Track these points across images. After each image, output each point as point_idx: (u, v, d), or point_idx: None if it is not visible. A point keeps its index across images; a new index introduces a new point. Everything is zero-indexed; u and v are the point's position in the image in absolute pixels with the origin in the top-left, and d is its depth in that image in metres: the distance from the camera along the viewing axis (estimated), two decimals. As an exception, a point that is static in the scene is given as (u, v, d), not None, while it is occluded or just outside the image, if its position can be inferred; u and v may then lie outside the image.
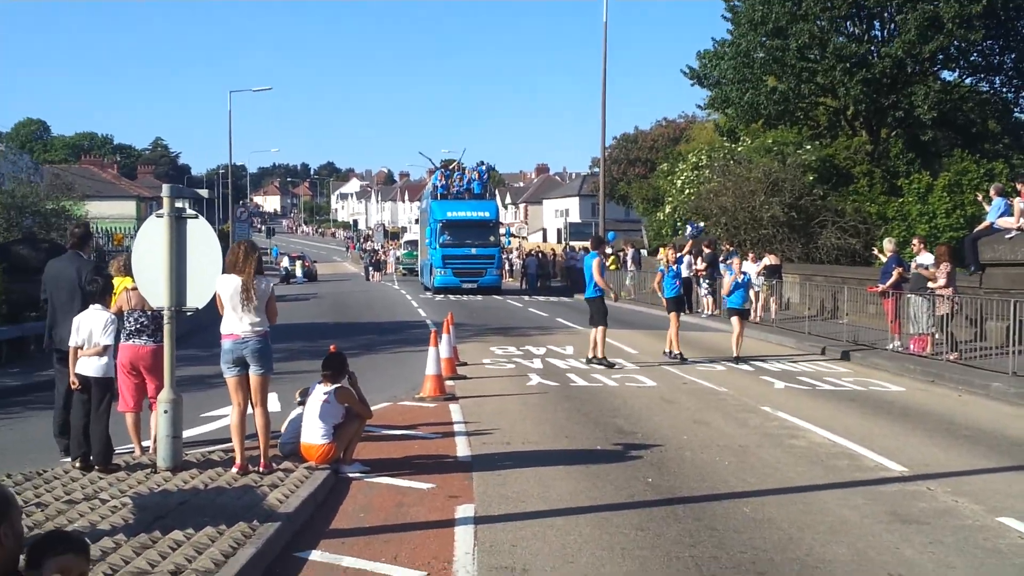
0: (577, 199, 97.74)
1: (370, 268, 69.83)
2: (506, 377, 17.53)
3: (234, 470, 9.36)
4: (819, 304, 27.42)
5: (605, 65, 43.61)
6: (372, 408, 11.08)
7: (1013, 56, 42.08)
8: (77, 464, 9.63)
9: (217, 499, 8.39)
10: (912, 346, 19.69)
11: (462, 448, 11.39)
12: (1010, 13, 40.15)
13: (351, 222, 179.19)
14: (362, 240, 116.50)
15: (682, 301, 21.32)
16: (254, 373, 9.45)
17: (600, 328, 18.94)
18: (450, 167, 51.05)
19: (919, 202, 38.20)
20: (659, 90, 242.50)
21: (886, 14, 41.48)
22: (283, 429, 10.42)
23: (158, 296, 9.26)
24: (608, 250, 44.10)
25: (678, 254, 23.26)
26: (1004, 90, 44.42)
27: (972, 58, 42.10)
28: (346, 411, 10.06)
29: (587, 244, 28.60)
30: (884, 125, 44.11)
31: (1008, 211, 20.72)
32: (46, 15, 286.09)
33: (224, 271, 9.30)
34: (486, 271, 45.59)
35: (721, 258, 33.51)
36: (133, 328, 10.28)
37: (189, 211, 9.30)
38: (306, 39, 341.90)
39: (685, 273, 27.62)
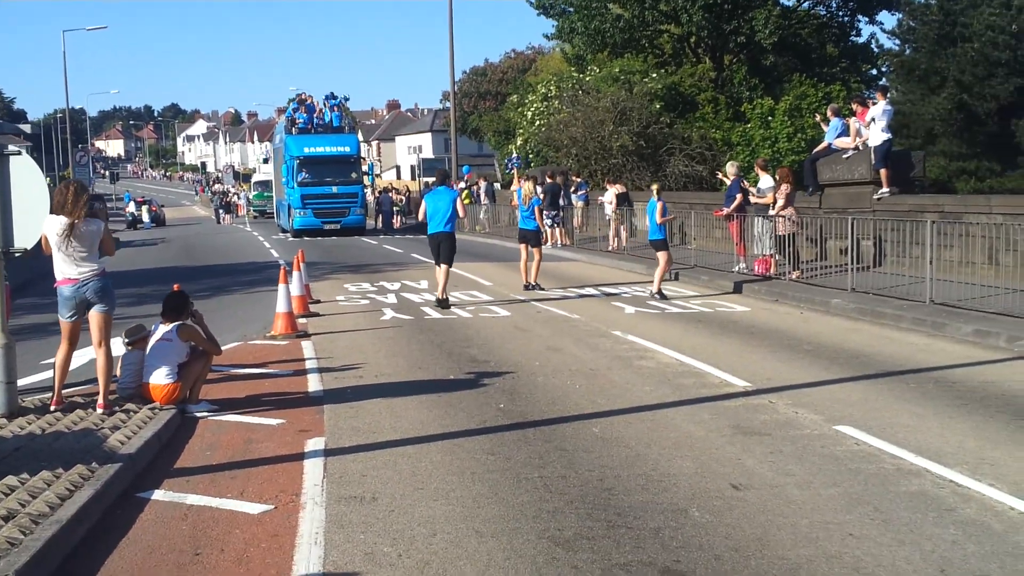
0: (430, 135, 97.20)
1: (220, 211, 68.26)
2: (360, 313, 17.39)
3: (52, 407, 9.14)
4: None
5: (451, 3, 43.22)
6: (223, 349, 10.83)
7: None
8: None
9: (54, 444, 8.09)
10: (756, 267, 20.21)
11: (314, 384, 11.27)
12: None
13: (199, 164, 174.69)
14: (211, 183, 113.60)
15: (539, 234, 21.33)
16: (96, 311, 9.17)
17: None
18: (304, 99, 47.97)
19: (762, 127, 39.06)
20: (507, 22, 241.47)
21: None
22: (118, 372, 10.06)
23: (-15, 237, 8.81)
24: (462, 184, 44.15)
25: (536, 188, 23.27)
26: (840, 14, 45.63)
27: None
28: (191, 349, 9.81)
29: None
30: (727, 52, 44.92)
31: (845, 131, 21.33)
32: None
33: (52, 211, 8.91)
34: (349, 210, 43.05)
35: (572, 188, 33.83)
36: None
37: (12, 148, 8.84)
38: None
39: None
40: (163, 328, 9.81)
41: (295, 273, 17.05)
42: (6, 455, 7.77)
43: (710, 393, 10.31)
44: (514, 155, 36.02)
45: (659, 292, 18.44)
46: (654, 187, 19.54)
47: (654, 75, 42.61)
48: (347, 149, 44.11)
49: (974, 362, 11.75)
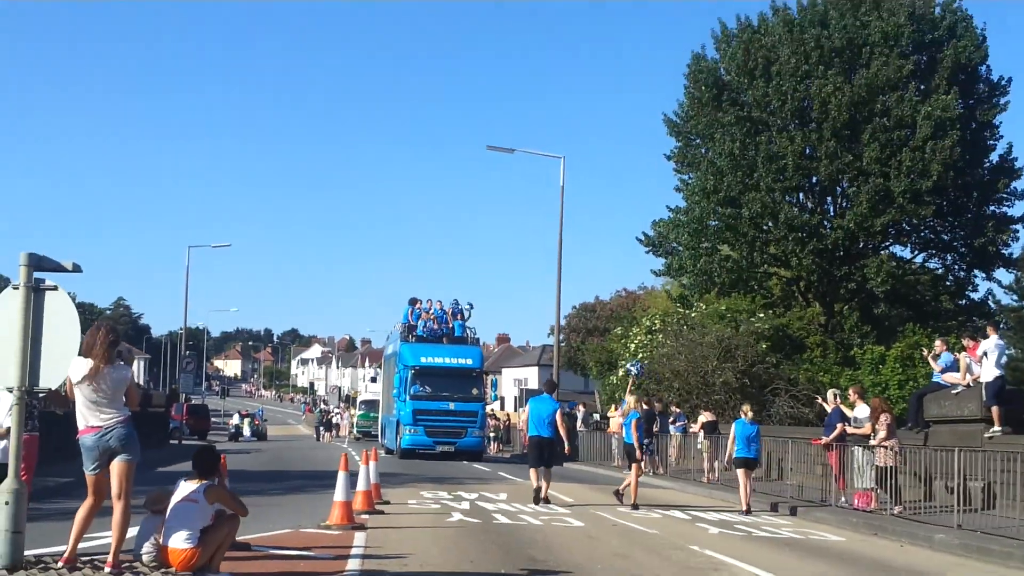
0: (536, 368, 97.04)
1: (320, 428, 68.05)
2: (427, 514, 16.52)
3: (59, 564, 8.38)
4: (764, 462, 26.61)
5: (561, 226, 43.69)
6: (270, 535, 10.07)
7: (963, 234, 42.50)
8: None
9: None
10: (856, 501, 18.88)
11: (352, 565, 10.42)
12: (959, 192, 40.78)
13: (309, 385, 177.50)
14: (318, 403, 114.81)
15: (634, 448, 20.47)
16: (120, 460, 8.56)
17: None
18: (422, 305, 41.68)
19: (872, 372, 37.82)
20: (618, 262, 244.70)
21: (838, 188, 42.02)
22: (137, 540, 9.33)
23: (8, 374, 8.39)
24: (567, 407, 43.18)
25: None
26: (956, 267, 44.74)
27: (923, 233, 42.47)
28: (216, 514, 9.10)
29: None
30: (837, 298, 44.18)
31: (954, 367, 20.26)
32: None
33: (80, 354, 8.50)
34: (467, 431, 37.08)
35: (671, 419, 32.89)
36: None
37: (48, 282, 8.53)
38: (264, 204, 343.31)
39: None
40: (187, 487, 9.09)
41: (363, 467, 16.36)
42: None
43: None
44: (638, 360, 35.06)
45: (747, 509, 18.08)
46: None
47: (761, 315, 42.00)
48: (470, 362, 38.62)
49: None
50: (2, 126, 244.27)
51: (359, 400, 73.41)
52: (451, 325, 40.50)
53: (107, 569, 8.39)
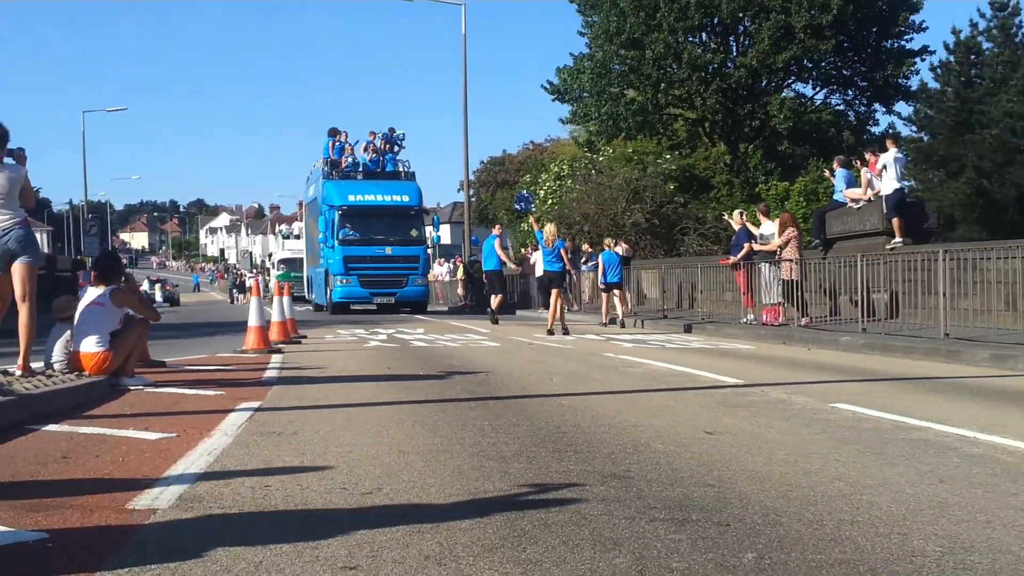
0: (448, 226, 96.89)
1: (234, 291, 67.05)
2: (345, 343, 16.51)
3: None
4: (676, 294, 27.04)
5: (465, 78, 43.00)
6: (186, 358, 9.91)
7: (863, 69, 42.89)
8: None
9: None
10: (765, 316, 19.30)
11: (269, 373, 10.40)
12: (859, 26, 40.92)
13: (219, 252, 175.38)
14: (228, 269, 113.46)
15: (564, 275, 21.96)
16: (20, 263, 8.23)
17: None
18: (345, 137, 35.29)
19: (777, 208, 38.38)
20: (525, 115, 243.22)
21: (740, 27, 41.93)
22: (47, 349, 9.16)
23: None
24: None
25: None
26: (857, 103, 45.28)
27: (824, 68, 42.68)
28: (125, 317, 8.95)
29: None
30: (742, 137, 44.52)
31: (853, 183, 20.58)
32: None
33: None
34: (407, 279, 31.96)
35: (583, 260, 33.11)
36: None
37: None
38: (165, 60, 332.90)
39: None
40: (94, 292, 8.91)
41: (276, 297, 16.23)
42: None
43: (698, 385, 9.37)
44: (524, 192, 34.71)
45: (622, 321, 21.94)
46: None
47: (668, 156, 42.21)
48: (407, 199, 33.02)
49: (991, 376, 10.78)
50: None
51: (276, 260, 66.09)
52: (381, 159, 34.83)
53: (17, 372, 8.21)
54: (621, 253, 28.30)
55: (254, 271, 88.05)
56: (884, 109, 46.16)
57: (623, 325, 21.66)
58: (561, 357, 12.99)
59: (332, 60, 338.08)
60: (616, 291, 23.45)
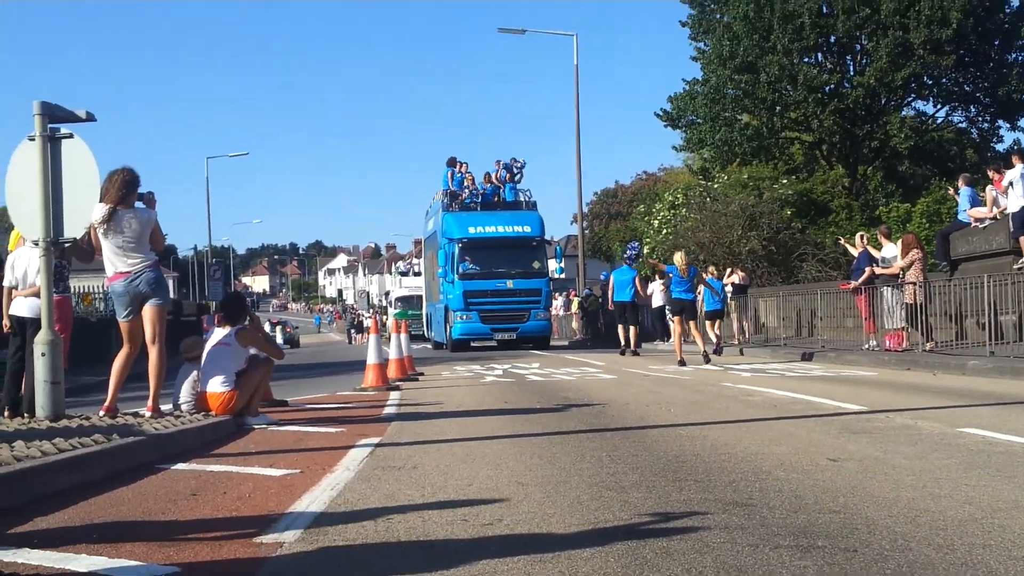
0: (562, 261, 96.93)
1: (352, 331, 68.23)
2: (462, 379, 16.64)
3: (100, 412, 8.44)
4: (795, 321, 26.60)
5: (578, 108, 43.18)
6: (306, 397, 10.12)
7: (985, 84, 41.76)
8: (5, 413, 8.86)
9: (87, 430, 7.48)
10: (888, 342, 18.83)
11: (388, 409, 10.55)
12: (980, 40, 39.93)
13: (337, 293, 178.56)
14: (346, 310, 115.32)
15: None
16: (150, 305, 8.55)
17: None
18: (465, 168, 34.73)
19: (899, 231, 37.53)
20: (638, 144, 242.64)
21: (857, 46, 41.26)
22: (175, 390, 9.43)
23: (33, 227, 8.34)
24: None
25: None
26: (980, 119, 44.05)
27: (944, 84, 41.63)
28: (250, 358, 9.18)
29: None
30: (860, 159, 43.71)
31: (978, 202, 20.02)
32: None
33: (100, 199, 8.45)
34: (529, 313, 30.59)
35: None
36: None
37: (64, 131, 8.38)
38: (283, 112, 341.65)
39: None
40: (220, 332, 9.20)
41: (395, 335, 16.46)
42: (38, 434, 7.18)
43: (819, 413, 9.19)
44: (635, 243, 34.59)
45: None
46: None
47: (784, 181, 41.65)
48: (528, 229, 31.69)
49: None
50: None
51: (393, 298, 66.01)
52: (501, 187, 33.86)
53: (147, 414, 8.47)
54: (738, 281, 28.04)
55: (371, 310, 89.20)
56: (1008, 125, 44.74)
57: (707, 359, 18.94)
58: (679, 387, 12.89)
59: (445, 95, 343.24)
60: (713, 320, 23.24)
